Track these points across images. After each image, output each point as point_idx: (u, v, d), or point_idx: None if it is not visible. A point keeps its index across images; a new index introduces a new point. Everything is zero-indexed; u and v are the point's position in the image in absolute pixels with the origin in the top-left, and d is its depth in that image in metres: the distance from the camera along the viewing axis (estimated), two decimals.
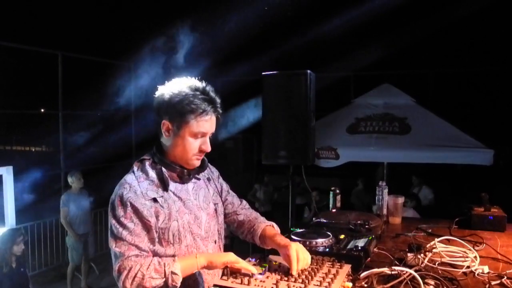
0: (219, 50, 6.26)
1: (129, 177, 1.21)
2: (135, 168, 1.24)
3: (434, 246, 1.48)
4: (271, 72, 2.14)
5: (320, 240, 1.42)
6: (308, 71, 2.07)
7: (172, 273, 1.11)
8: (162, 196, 1.20)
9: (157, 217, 1.18)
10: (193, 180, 1.31)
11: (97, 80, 6.36)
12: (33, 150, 11.36)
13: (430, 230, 1.80)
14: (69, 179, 4.50)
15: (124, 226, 1.14)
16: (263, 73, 2.14)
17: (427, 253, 1.41)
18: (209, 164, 1.36)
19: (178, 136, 1.21)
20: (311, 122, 2.10)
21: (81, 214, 4.47)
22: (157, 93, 1.23)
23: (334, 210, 2.04)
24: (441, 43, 6.80)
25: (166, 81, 1.25)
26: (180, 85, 1.21)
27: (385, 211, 2.03)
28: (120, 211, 1.15)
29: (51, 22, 7.45)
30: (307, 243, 1.41)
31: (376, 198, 2.06)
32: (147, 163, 1.24)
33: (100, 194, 4.67)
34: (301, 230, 1.57)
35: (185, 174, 1.25)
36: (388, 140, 4.61)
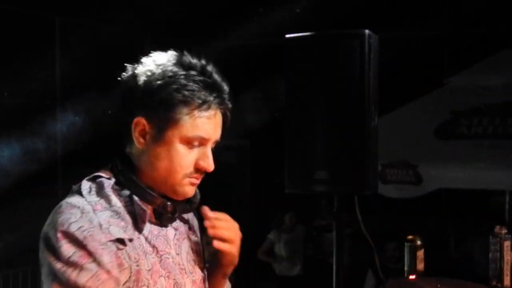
0: None
1: (75, 200, 1.23)
2: (85, 190, 1.26)
3: None
4: (300, 34, 2.16)
5: None
6: (366, 31, 2.08)
7: None
8: (131, 240, 1.23)
9: (119, 272, 1.20)
10: (174, 223, 1.35)
11: None
12: None
13: None
14: None
15: (80, 267, 1.15)
16: (286, 35, 2.16)
17: None
18: None
19: (160, 144, 1.25)
20: (370, 119, 2.11)
21: None
22: (125, 75, 1.29)
23: (412, 277, 2.05)
24: None
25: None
26: (163, 61, 1.26)
27: (507, 281, 2.04)
28: (66, 249, 1.16)
29: None
30: None
31: (490, 257, 2.07)
32: (106, 184, 1.27)
33: None
34: None
35: (168, 211, 1.28)
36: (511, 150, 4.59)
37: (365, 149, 2.12)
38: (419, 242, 2.14)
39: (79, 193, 1.25)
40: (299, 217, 6.25)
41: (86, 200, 1.22)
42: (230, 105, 1.30)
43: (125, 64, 1.32)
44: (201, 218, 1.51)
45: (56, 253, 1.16)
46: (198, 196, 1.38)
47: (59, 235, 1.16)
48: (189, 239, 1.40)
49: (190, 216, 1.44)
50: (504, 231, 2.09)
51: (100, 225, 1.18)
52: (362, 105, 2.11)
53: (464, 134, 4.92)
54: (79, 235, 1.15)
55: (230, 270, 1.49)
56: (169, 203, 1.27)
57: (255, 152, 7.49)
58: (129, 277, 1.20)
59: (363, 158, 2.12)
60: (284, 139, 2.24)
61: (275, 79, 2.25)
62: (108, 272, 1.16)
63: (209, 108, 1.24)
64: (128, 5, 6.62)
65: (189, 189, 1.30)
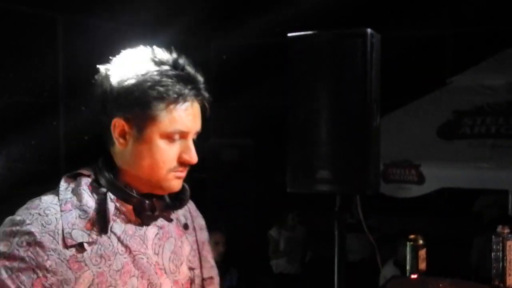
0: None
1: (47, 198, 1.26)
2: (62, 186, 1.28)
3: None
4: (303, 33, 2.16)
5: None
6: (369, 30, 2.09)
7: None
8: (93, 242, 1.22)
9: (76, 278, 1.20)
10: (158, 222, 1.33)
11: None
12: None
13: None
14: None
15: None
16: (289, 34, 2.17)
17: None
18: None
19: (141, 142, 1.25)
20: (373, 119, 2.12)
21: None
22: (98, 76, 1.28)
23: (414, 276, 2.06)
24: None
25: (113, 51, 1.31)
26: (135, 58, 1.26)
27: (510, 281, 2.03)
28: (4, 244, 1.20)
29: None
30: None
31: (493, 257, 2.07)
32: (83, 182, 1.28)
33: None
34: None
35: (148, 208, 1.28)
36: None
37: (367, 148, 2.13)
38: (421, 242, 2.14)
39: (57, 189, 1.27)
40: (301, 217, 6.27)
41: (59, 197, 1.25)
42: (206, 95, 1.28)
43: (97, 66, 1.30)
44: (207, 217, 1.51)
45: None
46: (188, 193, 1.36)
47: (8, 231, 1.20)
48: (179, 237, 1.38)
49: (183, 214, 1.41)
50: (506, 230, 2.08)
51: (60, 230, 1.20)
52: (364, 104, 2.12)
53: (467, 134, 4.89)
54: (24, 240, 1.18)
55: None
56: (147, 201, 1.27)
57: (258, 151, 7.48)
58: (92, 280, 1.20)
59: (365, 158, 2.12)
60: (287, 139, 2.24)
61: (278, 78, 2.25)
62: (45, 277, 1.19)
63: (185, 101, 1.24)
64: (131, 3, 6.64)
65: (175, 183, 1.29)
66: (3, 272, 1.18)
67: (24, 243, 1.18)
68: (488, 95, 4.93)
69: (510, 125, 4.69)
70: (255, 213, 7.21)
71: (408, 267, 2.12)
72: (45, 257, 1.18)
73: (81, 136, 6.62)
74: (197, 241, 1.44)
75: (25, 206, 1.25)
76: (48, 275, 1.18)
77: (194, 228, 1.45)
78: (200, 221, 1.49)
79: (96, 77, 1.29)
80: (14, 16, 6.59)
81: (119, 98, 1.23)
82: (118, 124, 1.25)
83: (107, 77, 1.26)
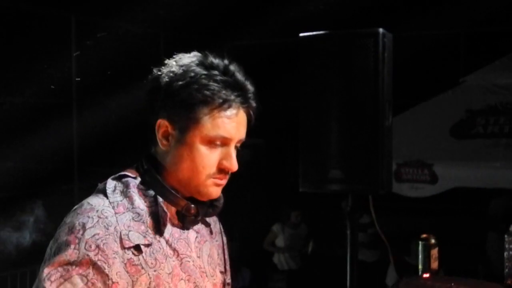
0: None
1: (97, 201, 1.23)
2: (109, 189, 1.26)
3: None
4: (315, 33, 2.16)
5: None
6: (380, 29, 2.09)
7: None
8: (150, 245, 1.22)
9: (133, 282, 1.19)
10: (196, 226, 1.34)
11: (9, 43, 6.55)
12: None
13: None
14: None
15: (68, 279, 1.14)
16: (300, 34, 2.17)
17: None
18: None
19: (182, 145, 1.24)
20: (385, 118, 2.12)
21: None
22: (150, 77, 1.29)
23: (426, 275, 2.05)
24: None
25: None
26: (186, 62, 1.26)
27: None
28: (71, 253, 1.15)
29: None
30: None
31: (506, 256, 2.06)
32: (131, 184, 1.26)
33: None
34: None
35: (192, 213, 1.27)
36: None
37: (379, 148, 2.12)
38: (433, 241, 2.14)
39: (104, 192, 1.24)
40: (305, 216, 6.30)
41: (109, 200, 1.22)
42: (253, 104, 1.28)
43: (151, 67, 1.30)
44: (227, 222, 1.51)
45: (60, 252, 1.15)
46: (222, 200, 1.36)
47: (71, 238, 1.16)
48: (210, 242, 1.39)
49: (212, 220, 1.42)
50: None
51: (119, 232, 1.18)
52: (376, 104, 2.12)
53: (480, 133, 4.88)
54: (92, 243, 1.15)
55: None
56: (192, 205, 1.26)
57: (270, 151, 7.50)
58: (149, 283, 1.19)
59: (377, 157, 2.12)
60: (298, 138, 2.24)
61: (290, 78, 2.26)
62: (115, 283, 1.16)
63: (230, 107, 1.23)
64: (144, 3, 6.66)
65: (214, 190, 1.28)
66: (79, 281, 1.14)
67: (93, 246, 1.15)
68: (502, 95, 4.92)
69: None
70: (266, 213, 7.23)
71: (420, 266, 2.12)
72: (111, 261, 1.16)
73: (94, 135, 6.70)
74: (222, 245, 1.46)
75: (74, 212, 1.22)
76: (118, 280, 1.17)
77: (217, 233, 1.45)
78: (220, 226, 1.49)
79: (148, 77, 1.30)
80: (28, 17, 6.64)
81: (166, 99, 1.24)
82: (162, 124, 1.25)
83: (157, 77, 1.27)
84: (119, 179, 1.28)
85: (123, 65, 6.19)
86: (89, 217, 1.19)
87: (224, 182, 1.30)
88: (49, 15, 6.83)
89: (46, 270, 1.15)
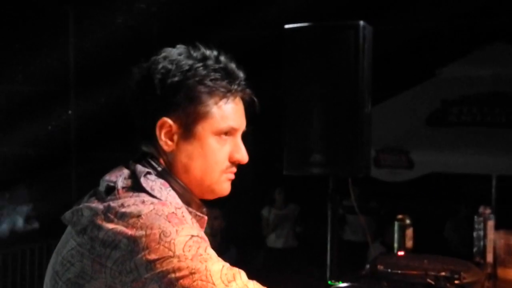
0: None
1: (157, 204, 1.07)
2: (156, 190, 1.11)
3: None
4: (299, 25, 2.15)
5: None
6: (361, 22, 2.08)
7: None
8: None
9: None
10: None
11: (9, 34, 6.50)
12: None
13: None
14: None
15: (199, 243, 1.04)
16: (285, 26, 2.16)
17: None
18: None
19: (191, 141, 1.15)
20: (364, 106, 2.12)
21: None
22: (136, 77, 1.18)
23: (401, 253, 2.07)
24: None
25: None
26: (175, 56, 1.16)
27: (490, 258, 2.05)
28: (183, 228, 1.04)
29: None
30: None
31: (475, 235, 2.08)
32: (159, 183, 1.14)
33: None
34: (346, 284, 1.60)
35: (204, 212, 1.19)
36: (499, 137, 4.58)
37: (358, 134, 2.13)
38: (408, 221, 2.16)
39: (145, 191, 1.10)
40: (291, 196, 6.33)
41: (167, 200, 1.11)
42: (249, 91, 1.20)
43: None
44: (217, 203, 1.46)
45: (171, 248, 1.01)
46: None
47: (165, 218, 1.04)
48: None
49: None
50: (488, 211, 2.10)
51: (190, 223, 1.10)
52: (356, 93, 2.11)
53: (454, 122, 4.91)
54: (183, 214, 1.08)
55: None
56: (204, 208, 1.20)
57: (257, 137, 7.50)
58: None
59: (357, 143, 2.12)
60: (283, 125, 2.24)
61: (276, 68, 2.25)
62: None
63: (232, 95, 1.16)
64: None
65: (227, 186, 1.22)
66: (211, 251, 1.06)
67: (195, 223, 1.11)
68: (474, 86, 4.95)
69: (495, 114, 4.71)
70: (254, 195, 7.27)
71: (395, 245, 2.14)
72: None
73: (90, 121, 6.67)
74: None
75: (145, 215, 1.05)
76: None
77: None
78: None
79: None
80: (28, 9, 6.58)
81: (165, 97, 1.13)
82: (165, 124, 1.14)
83: (148, 76, 1.16)
84: (148, 176, 1.14)
85: (119, 54, 6.16)
86: (165, 205, 1.08)
87: (233, 176, 1.23)
88: (48, 8, 6.79)
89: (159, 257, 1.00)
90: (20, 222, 5.42)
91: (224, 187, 1.22)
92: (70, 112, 6.84)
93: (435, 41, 7.06)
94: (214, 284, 1.00)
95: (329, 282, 1.70)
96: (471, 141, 4.62)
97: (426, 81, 5.36)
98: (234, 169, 1.22)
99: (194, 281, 0.99)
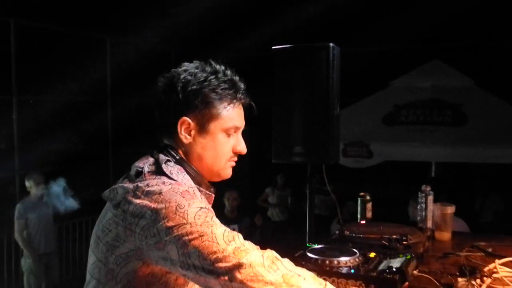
0: (216, 18, 6.44)
1: (174, 184, 1.09)
2: (173, 174, 1.12)
3: (495, 269, 1.49)
4: (284, 46, 2.14)
5: (343, 259, 1.44)
6: (331, 44, 2.07)
7: None
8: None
9: None
10: None
11: (62, 57, 6.49)
12: None
13: (489, 249, 1.81)
14: (27, 183, 4.47)
15: (206, 213, 1.03)
16: (273, 47, 2.15)
17: (484, 278, 1.42)
18: None
19: (204, 136, 1.17)
20: (334, 109, 2.11)
21: (42, 228, 4.47)
22: (161, 85, 1.18)
23: (363, 222, 2.08)
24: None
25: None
26: (192, 69, 1.17)
27: (430, 224, 2.05)
28: (194, 202, 1.04)
29: None
30: (327, 262, 1.43)
31: (418, 207, 2.08)
32: (176, 168, 1.14)
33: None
34: (320, 246, 1.60)
35: (212, 191, 1.20)
36: (437, 133, 4.61)
37: (330, 131, 2.11)
38: (368, 198, 2.17)
39: (165, 175, 1.11)
40: (288, 180, 6.33)
41: (182, 182, 1.12)
42: (249, 99, 1.22)
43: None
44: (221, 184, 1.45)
45: (185, 217, 1.02)
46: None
47: (180, 195, 1.05)
48: None
49: None
50: (428, 188, 2.11)
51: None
52: (327, 99, 2.10)
53: (403, 122, 4.93)
54: (196, 193, 1.10)
55: None
56: (212, 188, 1.20)
57: (252, 134, 7.51)
58: None
59: (328, 138, 2.11)
60: (272, 124, 2.23)
61: (267, 80, 2.24)
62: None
63: (237, 101, 1.17)
64: (159, 26, 6.65)
65: (230, 171, 1.23)
66: (216, 219, 1.05)
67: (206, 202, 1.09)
68: (418, 94, 4.98)
69: (433, 115, 4.77)
70: (251, 180, 7.28)
71: (359, 216, 2.14)
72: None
73: (123, 124, 6.69)
74: None
75: (179, 193, 1.06)
76: None
77: None
78: None
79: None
80: (74, 37, 6.62)
81: (186, 101, 1.14)
82: (185, 122, 1.15)
83: (171, 84, 1.16)
84: (169, 163, 1.15)
85: (144, 71, 6.17)
86: (179, 184, 1.09)
87: (234, 163, 1.24)
88: (90, 36, 6.83)
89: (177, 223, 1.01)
90: (73, 202, 5.40)
91: (227, 172, 1.23)
92: (108, 115, 6.88)
93: (388, 59, 7.09)
94: (218, 243, 1.00)
95: (308, 244, 1.69)
96: (416, 136, 4.64)
97: (381, 90, 5.37)
98: (236, 158, 1.23)
99: (202, 242, 1.00)
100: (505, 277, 1.45)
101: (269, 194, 6.35)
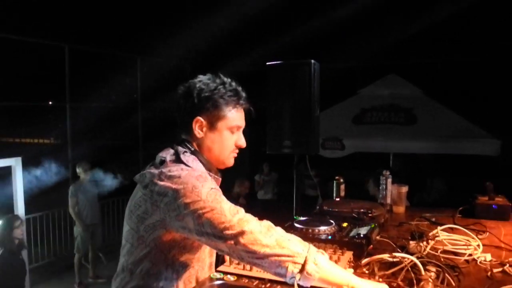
0: (223, 41, 6.43)
1: (188, 169, 1.09)
2: (190, 162, 1.12)
3: (437, 234, 1.48)
4: (276, 62, 2.12)
5: (322, 228, 1.44)
6: (312, 60, 2.06)
7: (315, 262, 0.97)
8: None
9: None
10: None
11: (104, 72, 6.59)
12: (42, 142, 11.56)
13: (433, 219, 1.81)
14: (78, 170, 4.59)
15: (216, 192, 1.03)
16: (267, 63, 2.13)
17: (429, 241, 1.42)
18: None
19: (213, 132, 1.16)
20: (315, 111, 2.10)
21: (89, 205, 4.56)
22: (181, 92, 1.18)
23: (337, 199, 2.07)
24: (451, 30, 6.68)
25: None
26: (206, 80, 1.18)
27: (389, 200, 2.05)
28: (206, 184, 1.03)
29: (57, 16, 7.82)
30: (310, 230, 1.43)
31: (380, 187, 2.08)
32: (192, 158, 1.14)
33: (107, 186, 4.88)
34: (304, 218, 1.60)
35: (219, 176, 1.20)
36: (393, 130, 4.61)
37: (312, 128, 2.10)
38: (341, 180, 2.16)
39: (183, 163, 1.11)
40: (274, 167, 6.32)
41: (196, 168, 1.12)
42: (248, 104, 1.22)
43: (180, 85, 1.19)
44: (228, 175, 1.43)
45: (199, 195, 1.02)
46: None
47: (194, 180, 1.04)
48: None
49: None
50: (388, 173, 2.10)
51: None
52: (310, 104, 2.09)
53: (369, 122, 4.92)
54: (208, 178, 1.09)
55: None
56: (219, 174, 1.20)
57: (251, 131, 7.49)
58: None
59: (310, 134, 2.10)
60: (266, 124, 2.22)
61: (262, 90, 2.23)
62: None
63: (240, 106, 1.17)
64: (177, 47, 6.67)
65: (232, 161, 1.22)
66: (223, 197, 1.05)
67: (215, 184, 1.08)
68: (380, 100, 4.97)
69: (391, 117, 4.78)
70: (250, 168, 7.26)
71: (334, 194, 2.13)
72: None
73: (150, 124, 6.73)
74: None
75: (195, 176, 1.05)
76: None
77: None
78: None
79: (178, 91, 1.18)
80: (113, 57, 6.62)
81: (200, 105, 1.14)
82: (198, 121, 1.15)
83: (189, 91, 1.16)
84: (186, 154, 1.14)
85: (166, 83, 6.17)
86: (194, 169, 1.10)
87: (236, 155, 1.23)
88: (123, 55, 6.83)
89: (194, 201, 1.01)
90: (112, 184, 5.39)
91: (230, 161, 1.23)
92: (138, 117, 6.90)
93: (357, 73, 7.08)
94: (225, 215, 1.00)
95: (294, 217, 1.69)
96: (378, 133, 4.64)
97: (351, 97, 5.36)
98: (237, 151, 1.23)
99: (213, 214, 1.00)
100: (444, 239, 1.46)
101: (258, 180, 6.31)
